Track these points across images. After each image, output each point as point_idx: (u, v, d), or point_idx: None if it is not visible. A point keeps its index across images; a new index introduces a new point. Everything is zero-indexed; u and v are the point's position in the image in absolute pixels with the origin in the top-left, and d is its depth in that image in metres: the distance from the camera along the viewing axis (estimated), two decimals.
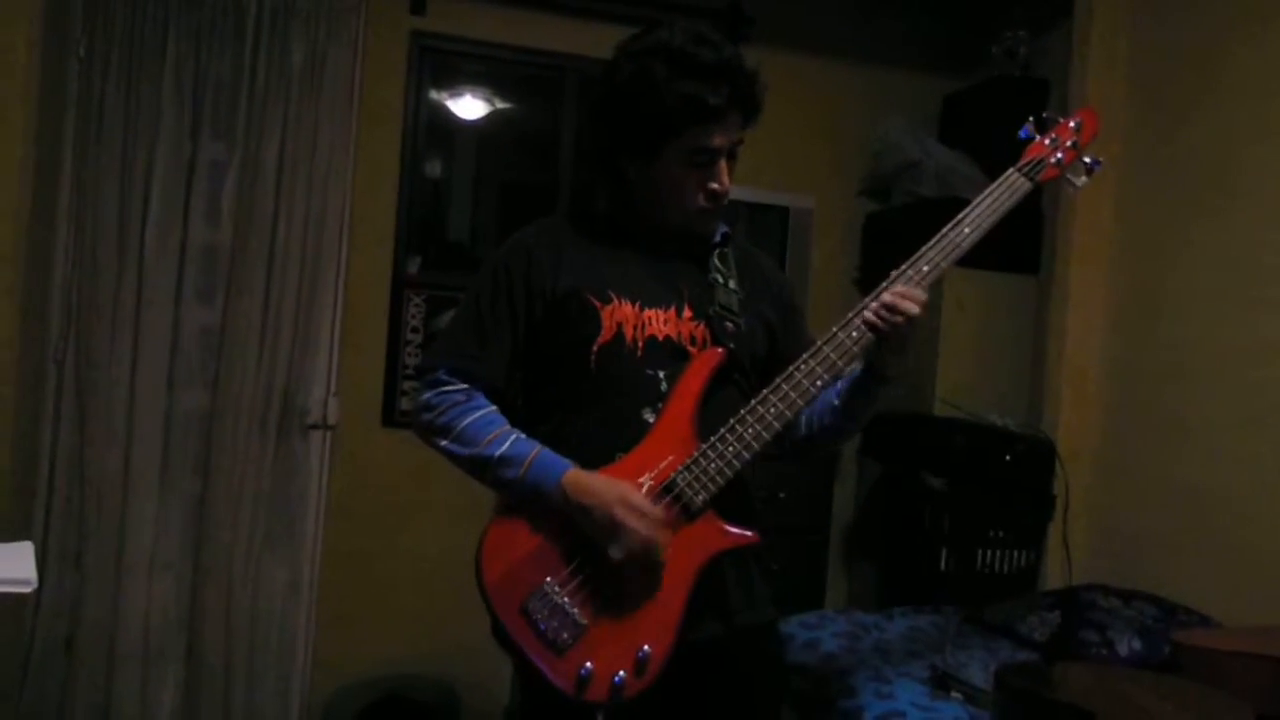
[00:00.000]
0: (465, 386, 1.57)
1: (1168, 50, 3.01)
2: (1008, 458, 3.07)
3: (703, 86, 1.49)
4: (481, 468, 1.52)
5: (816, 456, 1.77)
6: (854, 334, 1.50)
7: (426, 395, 1.58)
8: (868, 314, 1.49)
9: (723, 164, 1.57)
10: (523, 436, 1.52)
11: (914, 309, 1.47)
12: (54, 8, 2.86)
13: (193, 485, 3.21)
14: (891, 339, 1.50)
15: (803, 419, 1.67)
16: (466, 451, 1.52)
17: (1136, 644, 2.47)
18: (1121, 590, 2.72)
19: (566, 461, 1.48)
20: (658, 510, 1.44)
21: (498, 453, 1.50)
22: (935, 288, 1.55)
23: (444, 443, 1.55)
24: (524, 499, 1.49)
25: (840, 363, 1.50)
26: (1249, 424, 2.62)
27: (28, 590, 1.45)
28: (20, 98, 2.64)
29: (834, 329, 1.51)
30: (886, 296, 1.49)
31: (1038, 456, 3.09)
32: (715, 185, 1.57)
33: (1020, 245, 3.43)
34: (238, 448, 3.19)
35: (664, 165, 1.56)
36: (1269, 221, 2.62)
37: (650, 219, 1.63)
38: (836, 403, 1.65)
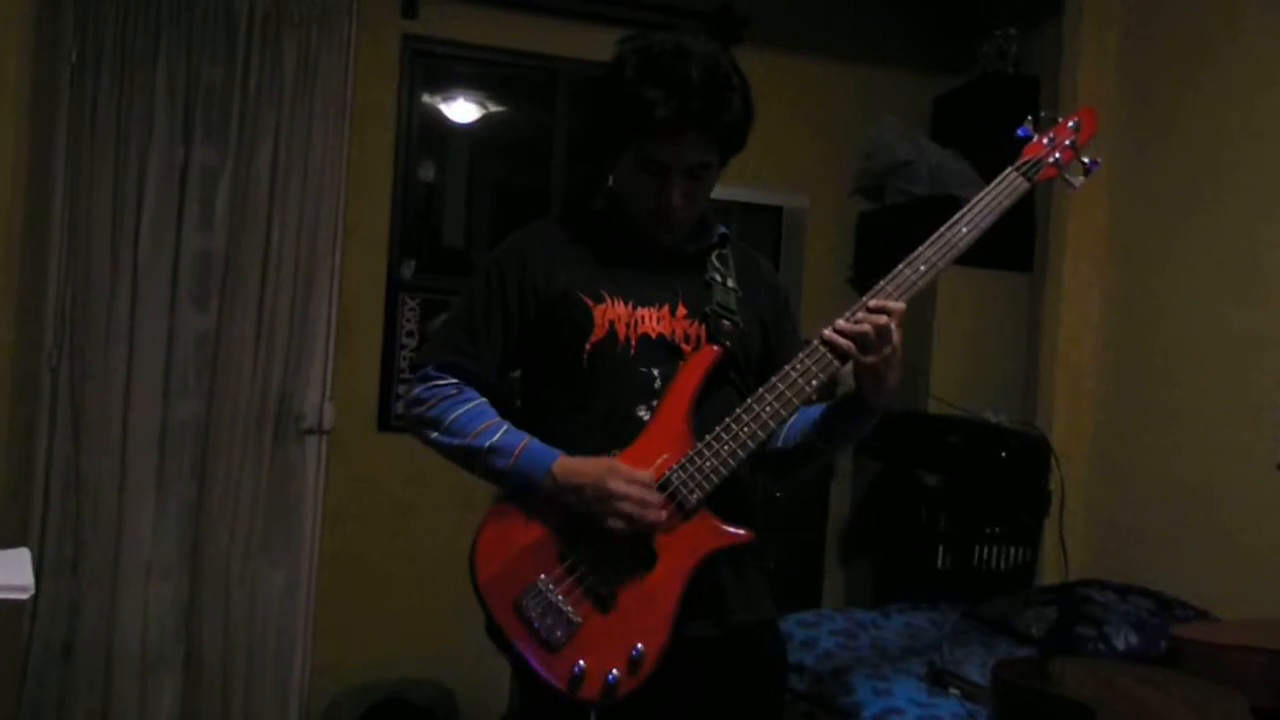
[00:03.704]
0: (456, 381, 1.57)
1: (1158, 46, 3.02)
2: (1003, 455, 3.08)
3: (656, 95, 1.45)
4: (471, 458, 1.52)
5: (791, 479, 1.73)
6: None
7: (417, 390, 1.58)
8: (834, 337, 1.46)
9: (676, 181, 1.52)
10: (513, 428, 1.53)
11: (864, 330, 1.43)
12: (45, 15, 2.86)
13: (189, 491, 3.20)
14: (859, 364, 1.47)
15: (779, 434, 1.65)
16: (456, 443, 1.52)
17: (1133, 638, 2.48)
18: (1118, 585, 2.73)
19: (555, 451, 1.49)
20: (648, 475, 1.44)
21: (488, 443, 1.50)
22: (929, 285, 1.55)
23: (434, 435, 1.55)
24: (514, 489, 1.50)
25: (837, 362, 1.49)
26: (1242, 418, 2.63)
27: (25, 597, 1.45)
28: (11, 105, 2.64)
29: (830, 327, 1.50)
30: (844, 325, 1.46)
31: (1033, 453, 3.09)
32: (665, 200, 1.54)
33: (1014, 243, 3.44)
34: (234, 453, 3.19)
35: (623, 166, 1.57)
36: (1261, 216, 2.63)
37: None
38: (817, 419, 1.62)
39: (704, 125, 1.49)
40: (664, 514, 1.44)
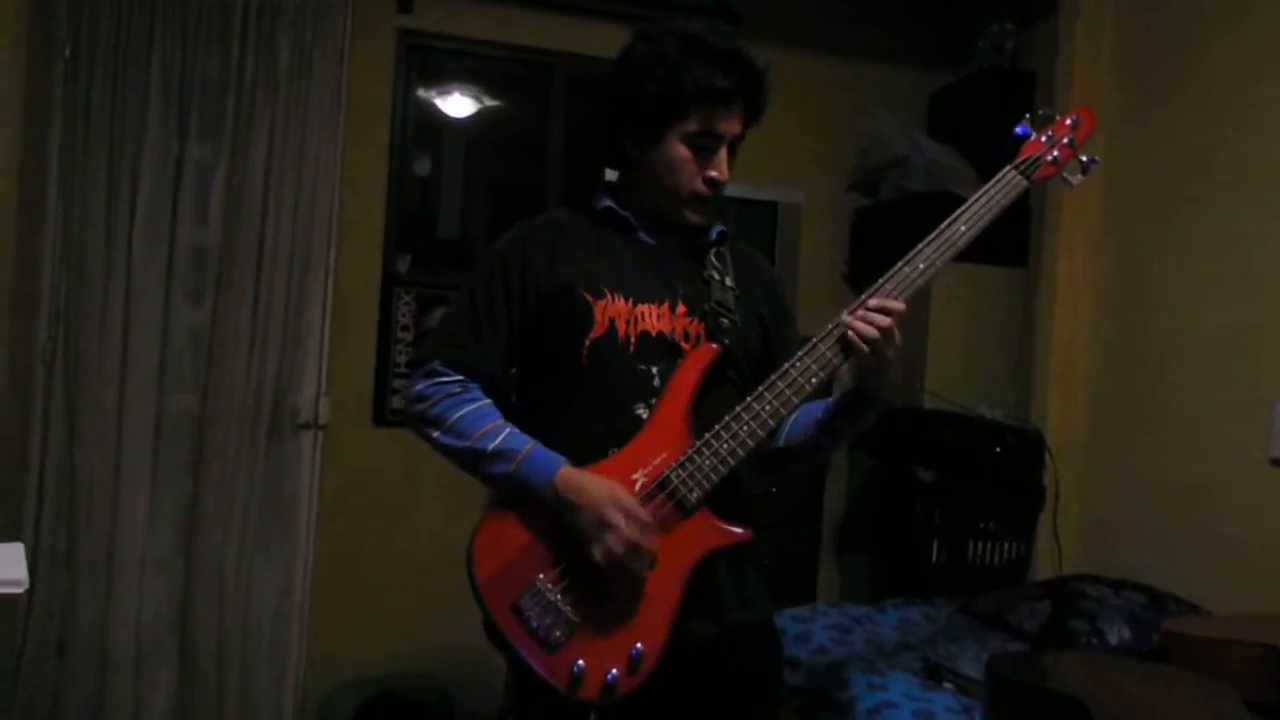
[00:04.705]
0: (460, 378, 1.57)
1: (1153, 41, 3.03)
2: (997, 450, 3.08)
3: (713, 69, 1.53)
4: (473, 461, 1.52)
5: (793, 475, 1.74)
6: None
7: (420, 386, 1.57)
8: (846, 329, 1.47)
9: (723, 153, 1.59)
10: (516, 431, 1.52)
11: (873, 332, 1.44)
12: (38, 9, 2.85)
13: (184, 486, 3.20)
14: (863, 360, 1.48)
15: (782, 431, 1.65)
16: (459, 444, 1.52)
17: (1126, 633, 2.49)
18: (1111, 580, 2.74)
19: (559, 458, 1.48)
20: (647, 514, 1.43)
21: (490, 447, 1.50)
22: (928, 283, 1.54)
23: (436, 434, 1.54)
24: (515, 494, 1.49)
25: (835, 360, 1.49)
26: (1235, 413, 2.64)
27: (19, 592, 1.44)
28: (5, 99, 2.63)
29: (829, 326, 1.50)
30: (853, 319, 1.46)
31: (1027, 448, 3.10)
32: (714, 173, 1.58)
33: (1009, 238, 3.45)
34: (229, 448, 3.18)
35: (666, 146, 1.57)
36: (1254, 211, 2.64)
37: (647, 209, 1.63)
38: (820, 416, 1.62)
39: (752, 95, 1.58)
40: (648, 572, 1.43)
